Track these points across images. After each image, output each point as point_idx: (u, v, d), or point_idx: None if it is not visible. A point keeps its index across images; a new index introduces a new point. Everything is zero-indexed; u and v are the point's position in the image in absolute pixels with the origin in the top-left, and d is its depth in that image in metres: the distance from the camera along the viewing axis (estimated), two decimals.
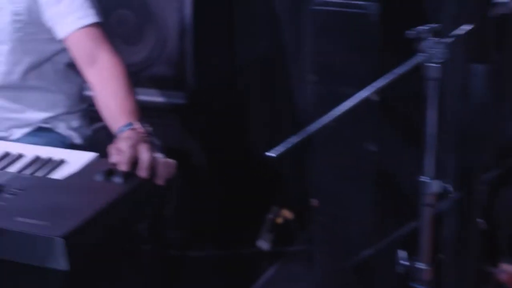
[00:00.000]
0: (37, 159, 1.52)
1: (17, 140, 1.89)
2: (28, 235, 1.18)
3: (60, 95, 1.95)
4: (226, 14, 2.62)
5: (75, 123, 1.99)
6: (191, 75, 2.41)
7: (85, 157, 1.53)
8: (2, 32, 1.81)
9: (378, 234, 2.20)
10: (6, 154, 1.56)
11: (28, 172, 1.47)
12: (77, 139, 1.97)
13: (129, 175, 1.42)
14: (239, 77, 2.63)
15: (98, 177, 1.41)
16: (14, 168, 1.48)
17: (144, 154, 1.46)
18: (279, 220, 2.73)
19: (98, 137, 2.10)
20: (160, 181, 1.47)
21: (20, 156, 1.54)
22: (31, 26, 1.82)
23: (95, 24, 1.79)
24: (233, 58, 2.64)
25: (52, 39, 1.85)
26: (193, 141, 2.51)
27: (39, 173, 1.46)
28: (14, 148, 1.59)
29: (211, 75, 2.53)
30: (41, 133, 1.91)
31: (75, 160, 1.52)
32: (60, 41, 1.85)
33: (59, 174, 1.46)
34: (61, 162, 1.51)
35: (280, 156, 1.50)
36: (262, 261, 2.69)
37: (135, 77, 2.45)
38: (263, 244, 2.71)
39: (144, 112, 2.43)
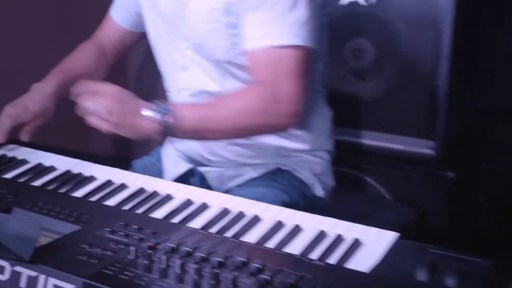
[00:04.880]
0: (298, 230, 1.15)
1: (251, 181, 1.55)
2: None
3: (307, 131, 1.59)
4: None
5: (318, 168, 1.61)
6: (442, 120, 1.97)
7: (385, 237, 1.13)
8: None
9: None
10: (226, 211, 1.23)
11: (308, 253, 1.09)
12: (319, 190, 1.60)
13: (464, 274, 1.00)
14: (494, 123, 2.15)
15: (421, 275, 1.00)
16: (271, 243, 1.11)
17: None
18: None
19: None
20: None
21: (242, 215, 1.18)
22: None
23: (299, 47, 1.39)
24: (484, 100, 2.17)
25: None
26: (435, 199, 2.06)
27: (330, 259, 1.08)
28: (235, 203, 1.26)
29: (464, 121, 2.09)
30: (279, 177, 1.55)
31: (370, 240, 1.12)
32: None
33: (357, 262, 1.07)
34: (355, 243, 1.11)
35: None
36: None
37: (368, 118, 2.10)
38: None
39: (381, 160, 2.08)
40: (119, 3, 1.75)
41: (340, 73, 2.10)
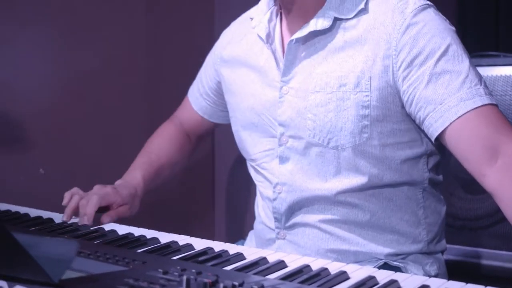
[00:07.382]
0: None
1: None
2: None
3: (417, 226, 1.35)
4: None
5: (432, 269, 1.34)
6: None
7: None
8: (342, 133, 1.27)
9: None
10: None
11: None
12: None
13: None
14: None
15: None
16: None
17: None
18: None
19: None
20: None
21: None
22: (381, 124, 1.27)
23: (488, 106, 1.18)
24: None
25: (412, 142, 1.30)
26: None
27: None
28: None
29: None
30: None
31: None
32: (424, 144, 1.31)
33: None
34: None
35: None
36: None
37: (478, 234, 1.83)
38: None
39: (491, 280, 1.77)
40: (196, 87, 1.62)
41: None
